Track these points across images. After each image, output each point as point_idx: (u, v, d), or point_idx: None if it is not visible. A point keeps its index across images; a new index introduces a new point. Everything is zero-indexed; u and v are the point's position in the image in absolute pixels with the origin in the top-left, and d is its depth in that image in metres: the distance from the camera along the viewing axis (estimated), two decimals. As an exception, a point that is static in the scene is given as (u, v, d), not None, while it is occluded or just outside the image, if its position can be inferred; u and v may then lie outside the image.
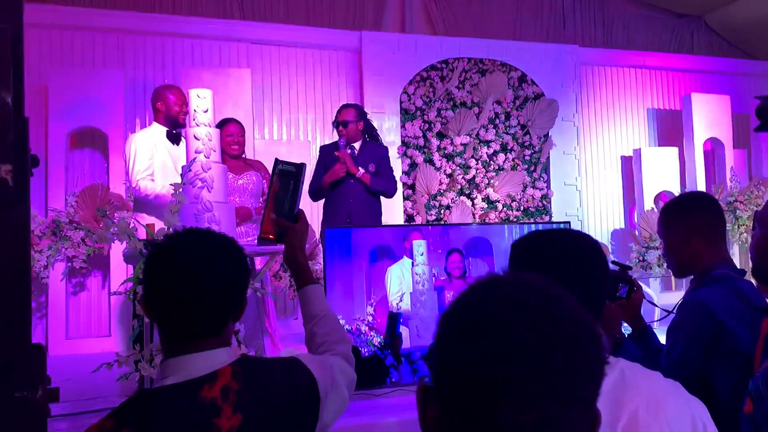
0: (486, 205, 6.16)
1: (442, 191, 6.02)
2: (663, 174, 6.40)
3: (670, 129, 7.11)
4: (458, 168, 6.07)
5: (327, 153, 4.23)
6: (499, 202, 6.18)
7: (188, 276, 1.14)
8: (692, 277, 1.98)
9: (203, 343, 1.16)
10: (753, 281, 1.83)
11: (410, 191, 5.98)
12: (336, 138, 4.26)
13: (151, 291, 1.17)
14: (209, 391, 1.10)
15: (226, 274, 1.17)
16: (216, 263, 1.17)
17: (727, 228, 6.05)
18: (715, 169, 6.89)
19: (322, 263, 3.10)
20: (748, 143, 7.23)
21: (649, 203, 6.30)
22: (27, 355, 0.68)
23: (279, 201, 1.58)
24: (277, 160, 1.62)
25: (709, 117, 6.63)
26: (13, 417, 0.66)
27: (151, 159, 3.72)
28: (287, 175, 1.60)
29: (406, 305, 2.84)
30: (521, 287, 0.68)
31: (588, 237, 1.25)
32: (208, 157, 3.16)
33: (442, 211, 5.99)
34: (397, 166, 5.93)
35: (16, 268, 0.67)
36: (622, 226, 6.86)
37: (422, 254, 2.88)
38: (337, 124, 4.21)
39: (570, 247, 1.21)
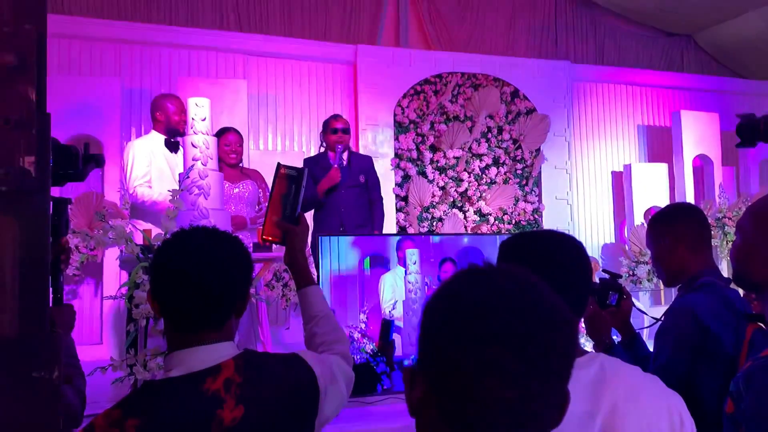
0: (478, 218, 6.21)
1: (434, 204, 6.08)
2: (653, 190, 6.48)
3: (660, 145, 7.21)
4: (451, 181, 6.13)
5: (313, 164, 4.20)
6: (491, 215, 6.23)
7: (191, 269, 1.18)
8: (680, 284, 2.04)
9: (206, 337, 1.19)
10: (738, 289, 1.89)
11: (403, 203, 6.03)
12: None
13: (157, 284, 1.21)
14: (213, 384, 1.13)
15: (229, 268, 1.21)
16: (219, 257, 1.20)
17: (716, 243, 6.14)
18: (704, 186, 6.98)
19: (316, 271, 3.13)
20: (736, 160, 7.34)
21: (639, 218, 6.37)
22: (45, 338, 0.72)
23: (281, 204, 1.61)
24: (279, 164, 1.65)
25: (698, 134, 6.74)
26: (31, 396, 0.70)
27: (149, 166, 3.75)
28: (289, 178, 1.63)
29: (398, 313, 2.88)
30: (502, 275, 0.73)
31: (573, 238, 1.30)
32: (206, 165, 3.20)
33: (434, 224, 6.04)
34: (390, 178, 5.99)
35: (37, 254, 0.71)
36: (613, 240, 6.93)
37: (415, 263, 2.92)
38: (335, 130, 4.20)
39: (556, 246, 1.26)
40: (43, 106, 0.77)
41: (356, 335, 2.86)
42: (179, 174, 3.24)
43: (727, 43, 7.76)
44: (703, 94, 7.52)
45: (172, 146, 3.88)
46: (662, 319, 1.97)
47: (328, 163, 4.22)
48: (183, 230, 1.27)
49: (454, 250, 3.18)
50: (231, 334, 1.24)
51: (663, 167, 6.66)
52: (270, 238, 1.62)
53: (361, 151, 5.96)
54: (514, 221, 6.31)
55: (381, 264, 2.96)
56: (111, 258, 4.51)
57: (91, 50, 5.38)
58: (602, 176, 7.04)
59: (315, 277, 3.95)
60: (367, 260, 2.95)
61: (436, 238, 3.21)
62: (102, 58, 5.42)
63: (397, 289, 2.88)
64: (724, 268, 6.37)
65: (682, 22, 7.67)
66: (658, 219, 2.05)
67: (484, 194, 6.23)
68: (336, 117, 4.33)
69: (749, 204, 1.44)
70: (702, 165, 6.96)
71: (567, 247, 1.26)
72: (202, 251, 1.20)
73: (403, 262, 2.94)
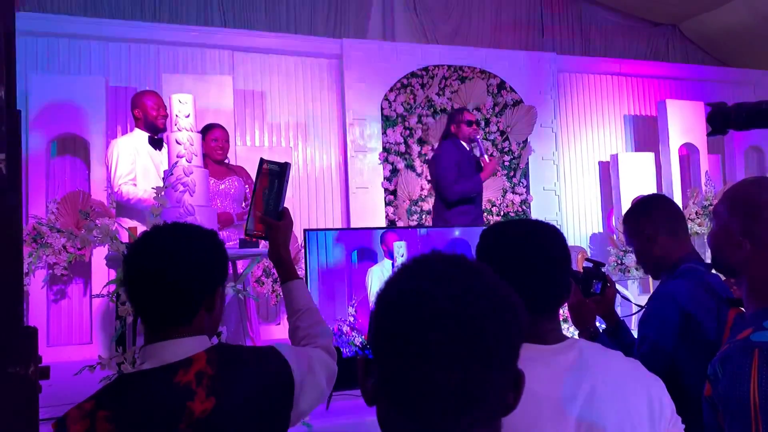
0: (467, 210, 6.22)
1: (423, 197, 6.09)
2: (640, 179, 6.52)
3: (646, 135, 7.25)
4: (439, 174, 6.14)
5: (459, 153, 4.40)
6: (479, 207, 6.25)
7: (153, 266, 1.19)
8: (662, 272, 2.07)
9: (175, 332, 1.20)
10: (720, 274, 1.91)
11: (392, 197, 6.04)
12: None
13: (128, 282, 1.23)
14: (184, 376, 1.15)
15: (190, 265, 1.21)
16: (180, 255, 1.21)
17: (704, 231, 6.19)
18: (690, 174, 7.03)
19: (304, 265, 3.15)
20: (722, 148, 7.39)
21: (626, 207, 6.39)
22: (20, 335, 0.72)
23: (264, 199, 1.62)
24: (262, 159, 1.65)
25: (683, 123, 6.78)
26: (6, 391, 0.71)
27: (133, 164, 3.74)
28: (272, 174, 1.64)
29: None
30: (442, 262, 0.75)
31: (551, 225, 1.32)
32: (190, 162, 3.19)
33: (423, 217, 6.05)
34: (379, 172, 6.00)
35: (9, 252, 0.72)
36: (601, 230, 6.97)
37: (402, 255, 2.96)
38: (470, 123, 4.46)
39: (537, 234, 1.26)
40: (13, 104, 0.77)
41: (345, 328, 2.90)
42: (164, 171, 3.24)
43: (712, 33, 7.80)
44: (688, 83, 7.56)
45: (156, 143, 3.87)
46: (645, 306, 2.00)
47: (470, 153, 4.48)
48: (153, 228, 1.29)
49: (442, 242, 3.20)
50: (202, 329, 1.24)
51: (649, 156, 6.70)
52: (255, 233, 1.63)
53: (349, 146, 5.97)
54: (502, 212, 6.33)
55: (368, 257, 2.99)
56: (99, 257, 4.50)
57: (75, 48, 5.34)
58: (589, 166, 7.07)
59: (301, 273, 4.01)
60: (355, 254, 2.98)
61: (423, 231, 3.22)
62: (87, 56, 5.38)
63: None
64: (709, 256, 6.42)
65: (667, 12, 7.71)
66: (633, 213, 2.08)
67: (472, 186, 6.24)
68: (466, 110, 4.61)
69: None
70: (688, 153, 7.00)
71: (548, 234, 1.27)
72: (164, 249, 1.21)
73: (389, 254, 2.98)
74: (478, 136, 4.55)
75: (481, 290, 0.71)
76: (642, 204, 2.09)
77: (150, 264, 1.20)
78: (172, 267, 1.19)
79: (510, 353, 0.72)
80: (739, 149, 7.35)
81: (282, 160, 1.70)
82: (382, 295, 0.74)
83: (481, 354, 0.68)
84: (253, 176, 4.30)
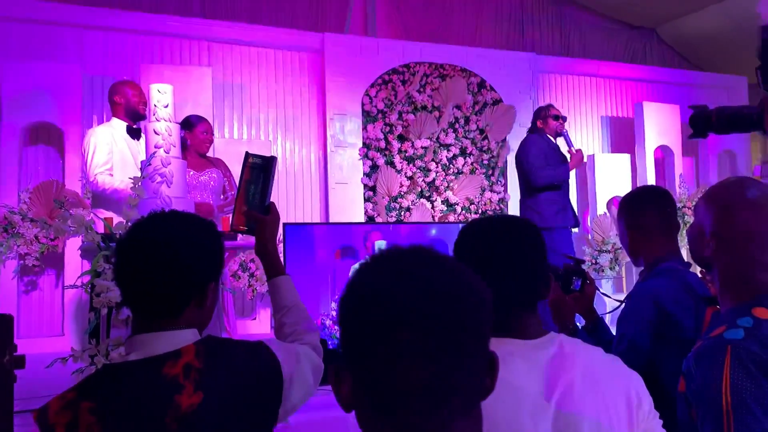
0: (445, 208, 6.25)
1: (402, 193, 6.09)
2: (615, 180, 6.60)
3: (623, 136, 7.34)
4: (419, 171, 6.15)
5: (546, 145, 4.63)
6: (458, 204, 6.28)
7: (150, 253, 1.16)
8: (641, 269, 2.09)
9: (166, 323, 1.17)
10: (698, 272, 1.94)
11: (371, 193, 6.03)
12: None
13: (119, 268, 1.19)
14: (171, 368, 1.12)
15: (180, 258, 1.17)
16: (171, 247, 1.17)
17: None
18: (665, 176, 7.14)
19: (283, 260, 3.15)
20: (696, 151, 7.52)
21: (602, 208, 6.49)
22: (-5, 320, 0.70)
23: (250, 193, 1.60)
24: (247, 153, 1.64)
25: (659, 125, 6.88)
26: (-19, 379, 0.69)
27: (110, 153, 3.68)
28: (257, 167, 1.62)
29: None
30: (403, 258, 0.73)
31: (526, 220, 1.33)
32: (168, 152, 3.15)
33: (402, 213, 6.06)
34: (358, 167, 5.99)
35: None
36: (576, 229, 7.04)
37: None
38: (557, 117, 4.68)
39: (513, 228, 1.27)
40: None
41: (328, 322, 2.95)
42: (141, 161, 3.19)
43: (689, 37, 7.93)
44: (665, 86, 7.67)
45: (134, 133, 3.81)
46: (624, 303, 2.02)
47: (556, 145, 4.72)
48: (151, 214, 1.24)
49: (422, 240, 3.22)
50: (191, 323, 1.21)
51: (626, 158, 6.78)
52: (240, 228, 1.62)
53: (329, 141, 5.95)
54: (480, 211, 6.37)
55: (351, 255, 3.06)
56: (73, 248, 4.43)
57: (51, 35, 5.24)
58: (567, 166, 7.13)
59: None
60: (339, 251, 3.04)
61: (404, 229, 3.25)
62: (62, 43, 5.28)
63: (367, 278, 2.95)
64: (685, 255, 6.53)
65: (645, 16, 7.81)
66: (623, 206, 2.11)
67: (451, 184, 6.27)
68: (552, 106, 4.79)
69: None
70: (663, 156, 7.11)
71: (525, 230, 1.28)
72: (161, 237, 1.18)
73: (372, 252, 2.99)
74: (565, 130, 4.72)
75: (444, 280, 0.70)
76: (632, 200, 2.11)
77: (147, 251, 1.16)
78: (169, 256, 1.16)
79: (480, 339, 0.72)
80: (712, 152, 7.48)
81: (268, 154, 1.68)
82: (345, 298, 0.73)
83: (451, 346, 0.68)
84: (233, 169, 4.28)
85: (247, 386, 1.18)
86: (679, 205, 6.54)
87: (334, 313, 2.96)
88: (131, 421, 1.07)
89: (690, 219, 6.45)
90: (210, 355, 1.16)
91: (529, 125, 4.91)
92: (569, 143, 4.76)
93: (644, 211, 2.04)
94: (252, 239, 1.63)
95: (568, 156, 4.77)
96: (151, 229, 1.20)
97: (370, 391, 0.70)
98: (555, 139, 4.74)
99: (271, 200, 1.63)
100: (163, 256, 1.16)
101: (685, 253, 2.30)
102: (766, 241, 1.27)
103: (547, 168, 4.50)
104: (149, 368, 1.12)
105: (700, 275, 1.95)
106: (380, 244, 3.05)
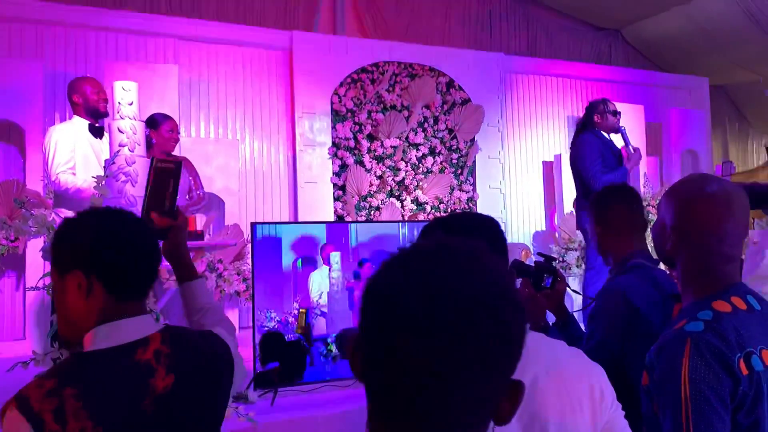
0: (415, 207, 6.27)
1: (372, 192, 6.09)
2: (582, 179, 6.68)
3: (589, 136, 7.43)
4: (388, 170, 6.16)
5: (601, 144, 4.39)
6: (427, 203, 6.30)
7: (137, 233, 1.24)
8: (610, 267, 2.13)
9: (132, 307, 1.23)
10: (665, 269, 1.98)
11: (340, 192, 6.02)
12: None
13: (102, 245, 1.20)
14: (143, 354, 1.19)
15: (152, 238, 1.29)
16: (144, 227, 1.29)
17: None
18: (629, 175, 7.25)
19: (251, 259, 3.15)
20: (660, 151, 7.66)
21: (568, 207, 6.57)
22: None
23: (158, 199, 1.60)
24: (153, 158, 1.65)
25: (624, 125, 6.97)
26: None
27: (72, 152, 3.60)
28: (167, 172, 1.62)
29: (324, 301, 3.32)
30: (421, 258, 0.69)
31: (489, 217, 1.35)
32: (133, 151, 3.10)
33: (372, 212, 6.06)
34: (328, 167, 5.97)
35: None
36: (544, 228, 7.13)
37: (337, 263, 3.35)
38: (615, 113, 4.47)
39: (474, 224, 1.30)
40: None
41: (290, 319, 3.23)
42: (105, 160, 3.13)
43: (652, 38, 8.09)
44: (629, 87, 7.81)
45: (97, 132, 3.73)
46: (595, 299, 2.05)
47: (611, 143, 4.49)
48: (107, 208, 1.30)
49: (370, 252, 3.48)
50: (146, 308, 1.29)
51: (592, 157, 6.87)
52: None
53: (298, 140, 5.91)
54: (449, 210, 6.40)
55: (311, 263, 3.37)
56: (34, 249, 4.32)
57: (10, 31, 5.10)
58: (534, 166, 7.22)
59: (247, 270, 3.96)
60: (300, 261, 3.32)
61: (354, 242, 3.43)
62: (23, 39, 5.15)
63: (323, 284, 3.34)
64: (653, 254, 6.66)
65: (610, 17, 7.94)
66: (591, 203, 2.16)
67: (420, 183, 6.29)
68: (609, 100, 4.57)
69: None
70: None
71: (490, 227, 1.29)
72: (130, 219, 1.26)
73: (327, 261, 3.36)
74: (622, 127, 4.53)
75: (457, 287, 0.64)
76: (600, 198, 2.16)
77: (132, 230, 1.24)
78: (147, 235, 1.26)
79: (495, 357, 0.66)
80: (675, 151, 7.63)
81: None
82: (363, 293, 0.71)
83: (456, 358, 0.63)
84: (198, 168, 4.21)
85: (209, 368, 1.28)
86: (643, 203, 6.65)
87: (296, 312, 3.25)
88: (113, 404, 1.12)
89: (654, 217, 6.57)
90: (175, 342, 1.25)
91: (581, 120, 4.56)
92: (627, 141, 4.54)
93: (611, 207, 2.08)
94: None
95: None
96: (122, 213, 1.29)
97: (375, 372, 0.68)
98: (609, 135, 4.52)
99: (178, 204, 1.66)
100: (147, 236, 1.28)
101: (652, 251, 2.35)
102: (725, 234, 1.30)
103: (606, 173, 4.24)
104: (122, 355, 1.18)
105: (668, 271, 2.00)
106: (334, 254, 3.34)
